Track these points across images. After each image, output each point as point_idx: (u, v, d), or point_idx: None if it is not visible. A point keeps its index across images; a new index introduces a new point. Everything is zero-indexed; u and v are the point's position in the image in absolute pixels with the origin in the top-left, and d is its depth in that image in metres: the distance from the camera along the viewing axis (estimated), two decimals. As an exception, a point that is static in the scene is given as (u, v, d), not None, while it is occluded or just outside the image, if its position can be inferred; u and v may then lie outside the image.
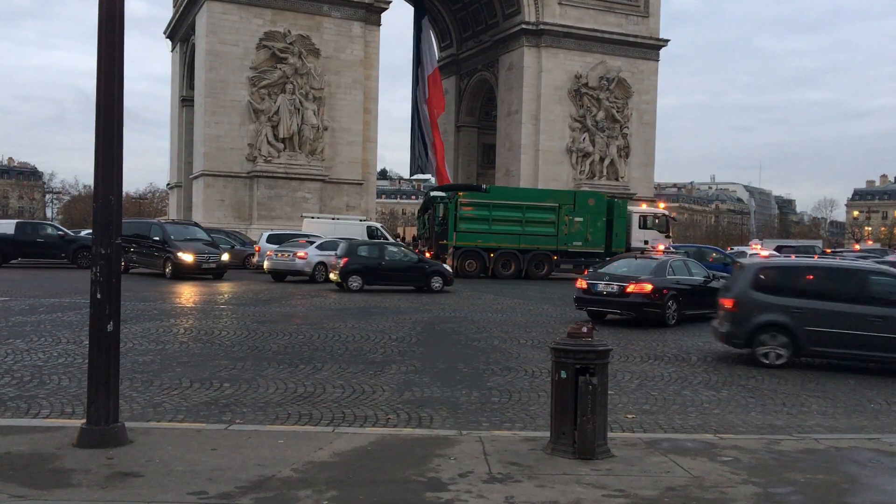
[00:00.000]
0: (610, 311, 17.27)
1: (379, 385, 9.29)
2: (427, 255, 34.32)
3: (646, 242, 35.48)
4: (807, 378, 10.79)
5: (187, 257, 25.53)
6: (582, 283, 17.46)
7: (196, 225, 30.22)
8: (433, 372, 10.24)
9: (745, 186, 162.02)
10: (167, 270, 25.74)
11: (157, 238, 26.64)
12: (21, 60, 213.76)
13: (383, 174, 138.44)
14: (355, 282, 23.39)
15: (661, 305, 16.46)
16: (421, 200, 50.79)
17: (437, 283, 24.44)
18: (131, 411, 7.59)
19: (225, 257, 27.16)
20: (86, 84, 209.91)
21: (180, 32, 52.06)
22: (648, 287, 16.30)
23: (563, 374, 6.17)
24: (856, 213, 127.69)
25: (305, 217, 37.79)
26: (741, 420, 8.26)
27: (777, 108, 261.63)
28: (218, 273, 26.70)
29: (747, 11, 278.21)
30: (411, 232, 49.98)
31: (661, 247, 29.76)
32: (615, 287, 16.62)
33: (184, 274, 25.42)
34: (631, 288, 16.36)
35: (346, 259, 23.60)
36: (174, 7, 54.00)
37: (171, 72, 57.16)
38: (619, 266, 18.42)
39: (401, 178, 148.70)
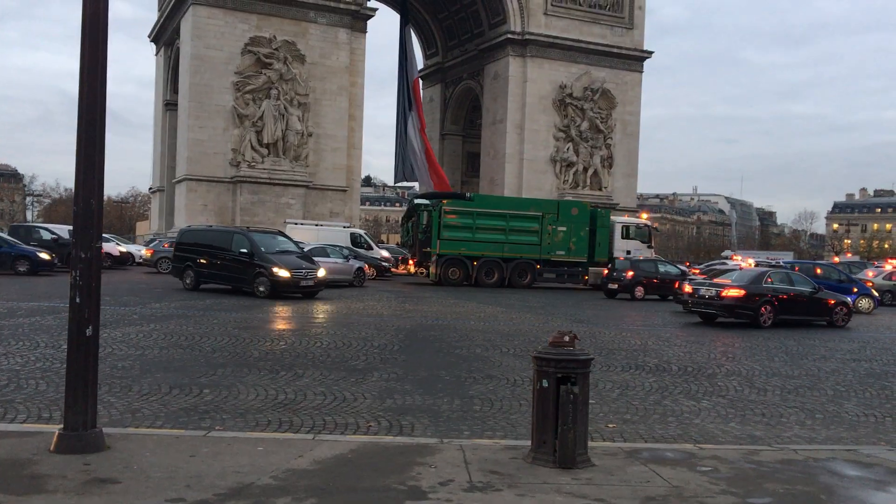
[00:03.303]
0: (708, 311, 20.18)
1: (360, 392, 9.26)
2: (411, 262, 34.40)
3: (628, 252, 35.71)
4: (787, 389, 10.88)
5: (283, 273, 21.82)
6: (688, 288, 21.06)
7: (281, 233, 26.25)
8: (415, 380, 10.23)
9: (726, 198, 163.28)
10: (260, 289, 21.90)
11: (243, 250, 22.54)
12: (3, 61, 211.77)
13: (367, 181, 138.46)
14: (639, 292, 29.52)
15: (754, 309, 19.39)
16: (405, 208, 50.73)
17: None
18: (109, 417, 7.51)
19: (321, 273, 23.13)
20: (70, 86, 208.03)
21: (165, 36, 51.87)
22: (741, 293, 19.40)
23: (545, 383, 6.18)
24: (836, 225, 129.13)
25: (289, 223, 37.71)
26: (721, 430, 8.30)
27: (761, 120, 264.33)
28: (312, 292, 22.80)
29: (734, 24, 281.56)
30: (395, 239, 49.93)
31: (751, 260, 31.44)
32: (714, 291, 19.84)
33: (279, 292, 21.94)
34: (724, 293, 19.50)
35: (631, 272, 29.53)
36: (159, 10, 53.80)
37: (155, 75, 56.90)
38: (727, 275, 21.87)
39: (385, 185, 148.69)
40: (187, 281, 24.07)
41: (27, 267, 27.75)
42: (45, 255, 28.03)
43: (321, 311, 19.32)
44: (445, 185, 50.52)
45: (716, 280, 21.42)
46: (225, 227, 29.83)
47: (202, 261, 23.73)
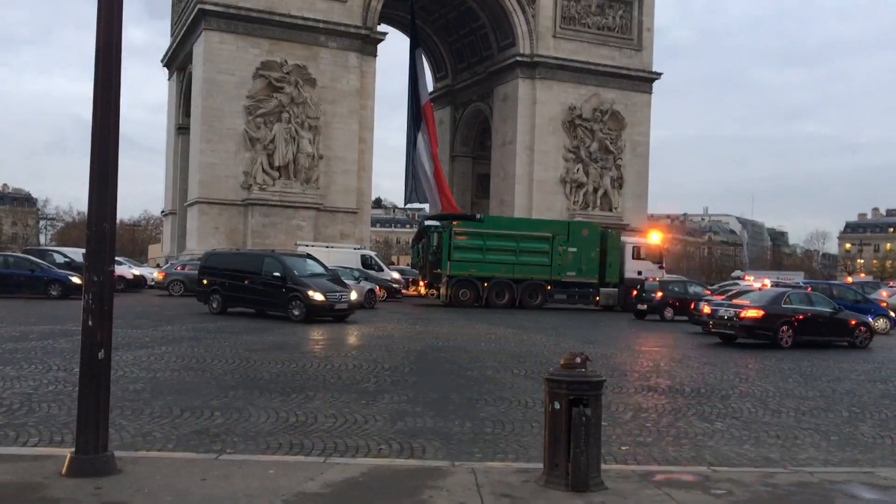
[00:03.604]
0: (727, 332, 20.02)
1: (371, 415, 9.23)
2: (421, 284, 34.40)
3: (639, 273, 35.58)
4: (801, 410, 10.77)
5: (318, 296, 21.71)
6: (707, 309, 20.89)
7: (311, 257, 25.98)
8: (426, 402, 10.19)
9: (737, 218, 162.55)
10: (294, 312, 21.73)
11: (276, 274, 22.37)
12: (20, 87, 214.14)
13: (378, 203, 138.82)
14: (669, 313, 29.24)
15: (773, 329, 19.22)
16: (415, 229, 50.78)
17: None
18: (121, 440, 7.51)
19: (353, 296, 23.29)
20: (85, 111, 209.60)
21: (178, 61, 52.44)
22: (759, 313, 19.29)
23: (557, 405, 6.14)
24: (848, 245, 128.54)
25: (300, 245, 37.79)
26: (735, 452, 8.22)
27: (771, 140, 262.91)
28: (344, 315, 22.57)
29: (743, 45, 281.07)
30: (405, 260, 49.94)
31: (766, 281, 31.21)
32: (732, 312, 19.71)
33: (313, 316, 21.76)
34: (743, 313, 19.41)
35: (661, 293, 29.27)
36: (172, 36, 54.47)
37: (167, 100, 57.49)
38: (745, 296, 21.82)
39: (395, 207, 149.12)
40: (213, 305, 23.71)
41: (59, 291, 27.89)
42: (77, 280, 28.02)
43: (341, 334, 19.30)
44: (453, 207, 50.62)
45: (734, 300, 21.24)
46: (253, 251, 29.67)
47: (230, 284, 23.42)
